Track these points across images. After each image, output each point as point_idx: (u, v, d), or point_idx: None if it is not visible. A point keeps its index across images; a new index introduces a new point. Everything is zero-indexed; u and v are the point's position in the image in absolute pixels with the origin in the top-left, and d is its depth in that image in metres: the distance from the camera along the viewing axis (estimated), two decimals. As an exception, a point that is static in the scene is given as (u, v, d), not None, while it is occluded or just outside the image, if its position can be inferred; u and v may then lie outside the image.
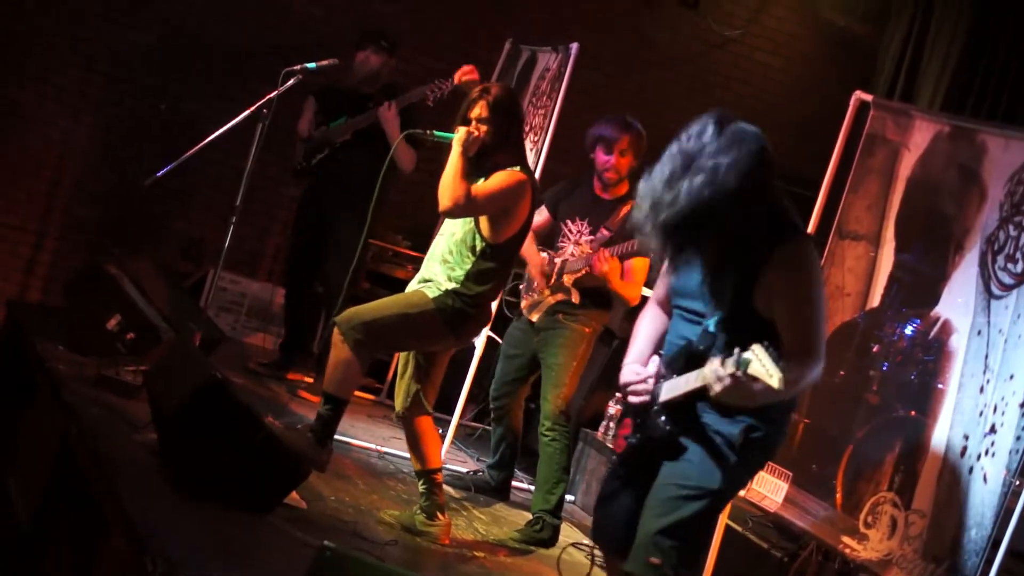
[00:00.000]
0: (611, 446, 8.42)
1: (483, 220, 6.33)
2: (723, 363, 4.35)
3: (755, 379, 4.29)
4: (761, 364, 4.22)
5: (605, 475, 5.37)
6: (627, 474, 5.05)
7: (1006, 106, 9.40)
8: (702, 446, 4.76)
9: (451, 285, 6.32)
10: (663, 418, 4.81)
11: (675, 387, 4.76)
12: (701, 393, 4.68)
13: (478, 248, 6.33)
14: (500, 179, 6.28)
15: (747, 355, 4.25)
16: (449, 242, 6.41)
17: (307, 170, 9.13)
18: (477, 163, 6.30)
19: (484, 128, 6.30)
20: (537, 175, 7.74)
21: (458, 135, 6.27)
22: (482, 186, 6.24)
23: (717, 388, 4.39)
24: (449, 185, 6.19)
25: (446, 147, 6.32)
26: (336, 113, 9.02)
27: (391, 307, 6.39)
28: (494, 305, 7.81)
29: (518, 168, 6.34)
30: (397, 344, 6.59)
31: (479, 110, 6.33)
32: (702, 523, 4.79)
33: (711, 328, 4.72)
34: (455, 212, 6.24)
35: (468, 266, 6.33)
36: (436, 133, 6.58)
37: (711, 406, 4.75)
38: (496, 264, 6.37)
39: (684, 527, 4.71)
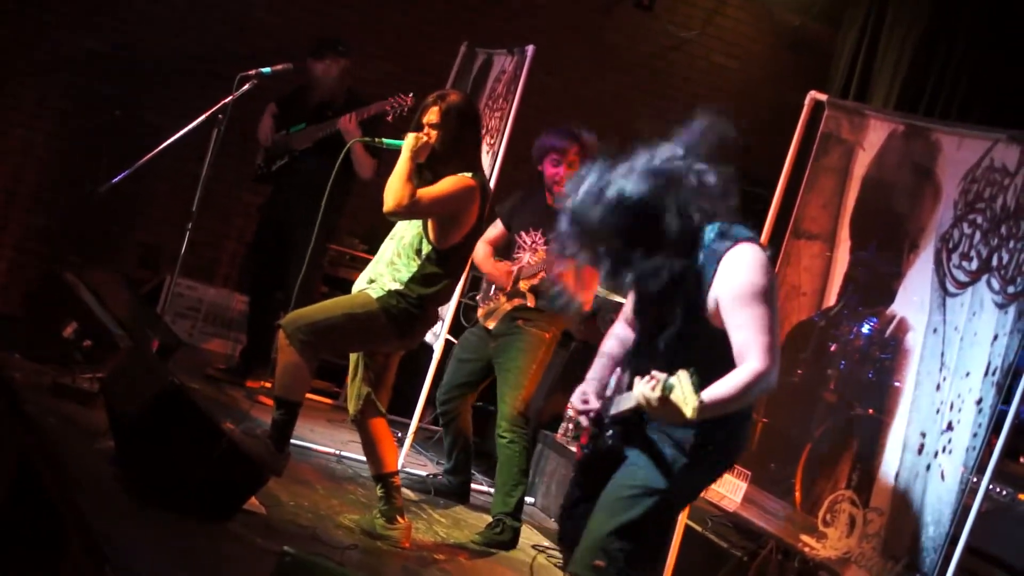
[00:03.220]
0: (573, 450, 8.43)
1: (430, 224, 6.34)
2: (652, 386, 4.31)
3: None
4: (681, 391, 4.19)
5: (569, 483, 5.36)
6: (586, 481, 5.05)
7: (959, 105, 9.44)
8: (651, 451, 4.75)
9: (395, 286, 6.33)
10: (610, 432, 4.81)
11: (620, 404, 4.74)
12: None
13: (424, 252, 6.35)
14: (447, 184, 6.28)
15: (672, 380, 4.22)
16: (398, 245, 6.43)
17: (267, 175, 9.15)
18: (430, 169, 6.31)
19: (435, 134, 6.31)
20: (493, 177, 7.75)
21: (407, 141, 6.28)
22: (428, 190, 6.24)
23: (648, 410, 4.37)
24: (394, 187, 6.19)
25: (399, 153, 6.32)
26: (298, 119, 9.02)
27: (335, 308, 6.41)
28: (449, 309, 7.84)
29: (469, 175, 6.34)
30: (343, 345, 6.57)
31: (431, 115, 6.34)
32: (650, 525, 4.74)
33: (661, 347, 4.70)
34: (398, 213, 6.24)
35: (413, 269, 6.35)
36: (385, 141, 6.61)
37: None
38: (441, 269, 6.38)
39: (631, 529, 4.68)
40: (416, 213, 6.27)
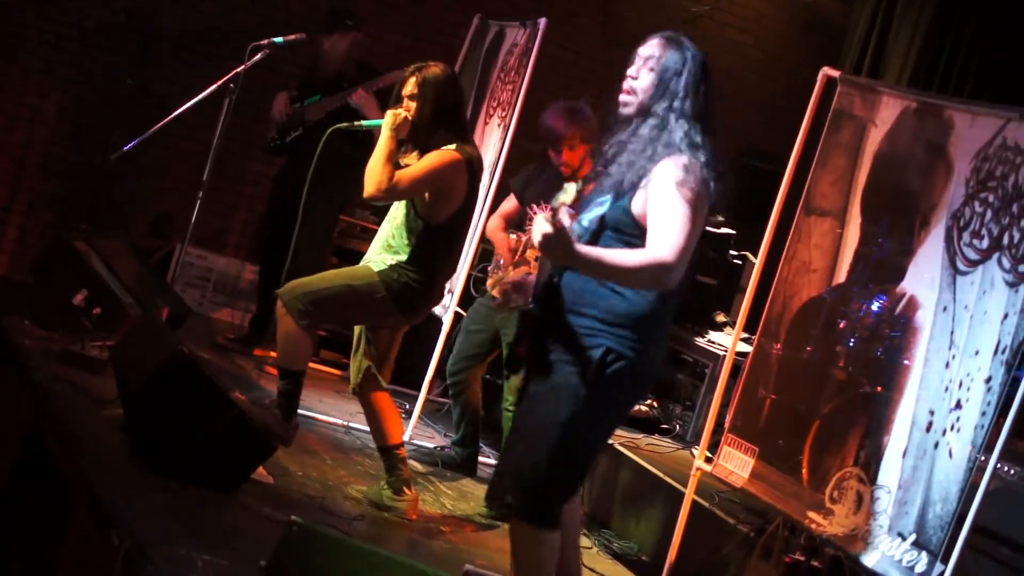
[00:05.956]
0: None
1: (419, 200, 6.29)
2: (546, 216, 4.39)
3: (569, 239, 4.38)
4: (565, 192, 4.52)
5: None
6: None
7: (973, 82, 9.43)
8: (554, 379, 4.76)
9: (394, 262, 6.31)
10: (532, 306, 4.88)
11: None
12: (568, 301, 4.75)
13: (418, 229, 6.30)
14: (428, 161, 6.22)
15: (560, 193, 4.39)
16: (392, 227, 6.40)
17: (282, 148, 9.14)
18: (415, 143, 6.25)
19: (413, 106, 6.25)
20: (505, 151, 7.74)
21: (387, 119, 6.22)
22: (408, 170, 6.18)
23: (542, 241, 4.39)
24: (374, 170, 6.14)
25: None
26: (312, 93, 9.02)
27: (335, 278, 6.41)
28: (459, 282, 7.83)
29: (453, 147, 6.27)
30: (341, 315, 6.57)
31: (410, 87, 6.28)
32: (559, 457, 4.74)
33: (584, 223, 4.75)
34: (379, 198, 6.20)
35: (411, 248, 6.31)
36: (364, 123, 6.59)
37: (577, 326, 4.75)
38: (438, 244, 6.35)
39: (541, 465, 4.73)
40: (397, 195, 6.22)
